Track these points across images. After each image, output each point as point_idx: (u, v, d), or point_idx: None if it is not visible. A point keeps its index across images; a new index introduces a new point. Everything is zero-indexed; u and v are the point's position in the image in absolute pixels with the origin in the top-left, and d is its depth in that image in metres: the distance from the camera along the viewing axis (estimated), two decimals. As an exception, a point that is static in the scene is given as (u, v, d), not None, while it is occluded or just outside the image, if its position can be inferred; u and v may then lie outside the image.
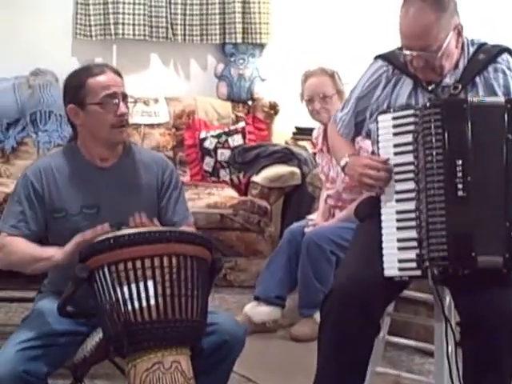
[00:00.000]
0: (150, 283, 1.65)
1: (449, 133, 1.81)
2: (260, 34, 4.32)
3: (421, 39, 1.87)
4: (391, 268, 1.84)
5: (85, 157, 2.00)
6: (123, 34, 4.25)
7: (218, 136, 4.11)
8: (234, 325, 1.91)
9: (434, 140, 1.81)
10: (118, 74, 1.99)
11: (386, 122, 1.91)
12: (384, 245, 1.86)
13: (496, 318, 1.75)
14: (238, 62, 4.37)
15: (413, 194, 1.85)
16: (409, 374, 2.46)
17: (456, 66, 1.96)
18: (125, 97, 1.97)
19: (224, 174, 4.07)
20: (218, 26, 4.31)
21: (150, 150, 3.34)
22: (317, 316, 2.49)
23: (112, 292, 1.66)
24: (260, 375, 2.59)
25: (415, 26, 1.87)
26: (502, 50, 1.97)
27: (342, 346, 1.82)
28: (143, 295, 1.64)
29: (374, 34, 3.86)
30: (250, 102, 4.36)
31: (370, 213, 2.00)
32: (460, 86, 1.93)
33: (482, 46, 1.98)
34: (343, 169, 2.04)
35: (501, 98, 1.87)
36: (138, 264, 1.66)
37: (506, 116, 1.80)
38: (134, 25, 4.26)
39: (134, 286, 1.65)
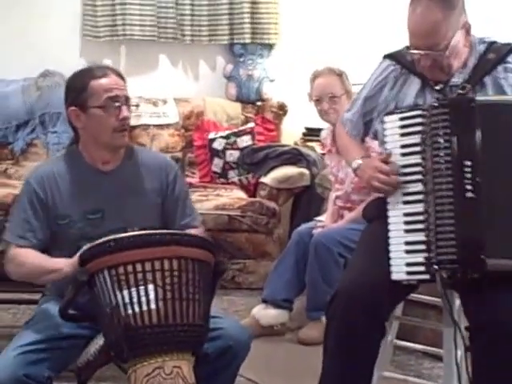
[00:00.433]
0: (151, 287, 1.62)
1: (457, 133, 1.77)
2: (268, 34, 4.30)
3: (428, 38, 1.85)
4: (399, 272, 1.81)
5: (86, 161, 1.99)
6: (131, 35, 4.25)
7: (227, 137, 4.09)
8: (239, 330, 1.89)
9: (442, 141, 1.78)
10: (121, 76, 1.97)
11: (392, 122, 1.88)
12: (391, 248, 1.83)
13: (506, 324, 1.71)
14: (247, 62, 4.35)
15: (420, 196, 1.82)
16: (417, 378, 2.42)
17: (464, 64, 1.93)
18: (127, 100, 1.95)
19: (233, 175, 4.05)
20: (226, 27, 4.30)
21: (154, 151, 3.33)
22: (324, 319, 2.46)
23: (112, 296, 1.64)
24: (267, 379, 2.57)
25: (423, 24, 1.84)
26: (512, 49, 1.93)
27: (345, 349, 1.80)
28: (143, 299, 1.62)
29: (383, 34, 3.83)
30: (258, 103, 4.34)
31: (377, 214, 1.98)
32: (468, 86, 1.90)
33: (491, 45, 1.95)
34: (355, 171, 2.01)
35: (510, 97, 1.84)
36: (139, 267, 1.64)
37: (515, 115, 1.77)
38: (142, 26, 4.25)
39: (134, 290, 1.63)
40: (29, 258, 1.89)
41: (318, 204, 3.62)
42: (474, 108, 1.78)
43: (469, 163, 1.76)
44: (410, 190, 1.84)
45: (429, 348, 2.38)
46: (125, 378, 1.68)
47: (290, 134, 4.28)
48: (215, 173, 4.09)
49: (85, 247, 1.74)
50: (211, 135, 4.12)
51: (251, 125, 4.17)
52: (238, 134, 4.10)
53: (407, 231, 1.82)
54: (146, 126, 4.14)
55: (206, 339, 1.74)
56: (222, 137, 4.10)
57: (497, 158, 1.78)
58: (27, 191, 1.94)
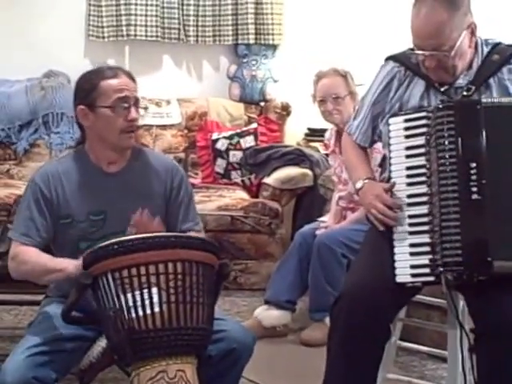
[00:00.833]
0: (155, 290, 1.62)
1: (462, 135, 1.77)
2: (272, 35, 4.29)
3: (433, 38, 1.84)
4: (403, 274, 1.80)
5: (92, 161, 1.98)
6: (135, 36, 4.24)
7: (230, 137, 4.09)
8: (242, 332, 1.88)
9: (446, 142, 1.78)
10: (132, 78, 1.96)
11: (397, 124, 1.87)
12: (396, 250, 1.82)
13: (511, 325, 1.70)
14: (251, 63, 4.34)
15: (425, 198, 1.81)
16: (421, 380, 2.41)
17: (469, 66, 1.92)
18: (137, 101, 1.94)
19: (235, 176, 4.05)
20: (230, 27, 4.29)
21: (161, 153, 3.31)
22: (328, 320, 2.45)
23: (116, 299, 1.63)
24: (269, 380, 2.56)
25: (427, 24, 1.83)
26: (517, 50, 1.92)
27: (349, 351, 1.79)
28: (147, 302, 1.61)
29: (387, 35, 3.83)
30: (262, 103, 4.33)
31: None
32: (473, 88, 1.89)
33: (496, 46, 1.94)
34: (357, 191, 1.99)
35: (515, 99, 1.83)
36: (142, 270, 1.63)
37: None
38: (146, 26, 4.25)
39: (137, 293, 1.62)
40: (32, 256, 1.88)
41: (320, 205, 3.61)
42: (480, 110, 1.77)
43: (474, 165, 1.75)
44: (415, 191, 1.83)
45: (432, 349, 2.37)
46: (127, 380, 1.67)
47: (293, 134, 4.27)
48: (218, 173, 4.09)
49: (88, 250, 1.73)
50: (214, 136, 4.12)
51: (254, 125, 4.16)
52: (241, 135, 4.09)
53: (412, 233, 1.82)
54: (148, 127, 4.13)
55: (209, 342, 1.74)
56: (225, 137, 4.09)
57: (502, 159, 1.77)
58: (33, 189, 1.94)
